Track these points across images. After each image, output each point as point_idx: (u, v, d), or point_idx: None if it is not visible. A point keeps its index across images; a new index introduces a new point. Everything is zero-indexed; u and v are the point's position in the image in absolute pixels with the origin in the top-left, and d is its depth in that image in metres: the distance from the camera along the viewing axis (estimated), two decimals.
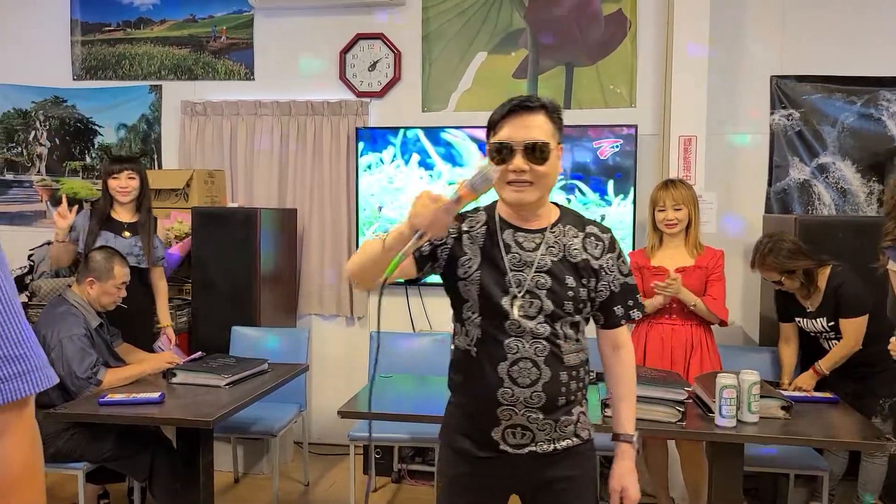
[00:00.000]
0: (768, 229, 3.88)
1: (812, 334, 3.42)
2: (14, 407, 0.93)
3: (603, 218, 4.22)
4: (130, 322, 3.56)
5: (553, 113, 1.79)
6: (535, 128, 1.74)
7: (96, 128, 5.00)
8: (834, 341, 3.31)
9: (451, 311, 1.92)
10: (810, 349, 3.45)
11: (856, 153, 4.21)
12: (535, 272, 1.79)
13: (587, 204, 4.23)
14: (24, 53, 5.00)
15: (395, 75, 4.57)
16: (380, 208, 4.49)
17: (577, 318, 1.82)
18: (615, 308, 1.87)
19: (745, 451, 2.75)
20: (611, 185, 4.22)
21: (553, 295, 1.77)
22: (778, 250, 3.24)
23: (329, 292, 4.63)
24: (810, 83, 4.24)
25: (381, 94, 4.60)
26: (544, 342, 1.77)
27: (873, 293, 3.26)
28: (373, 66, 4.60)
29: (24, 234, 4.91)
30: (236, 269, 4.18)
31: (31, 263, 4.39)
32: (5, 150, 5.09)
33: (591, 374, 1.92)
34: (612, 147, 4.22)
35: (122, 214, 3.70)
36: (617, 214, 4.21)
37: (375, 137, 4.48)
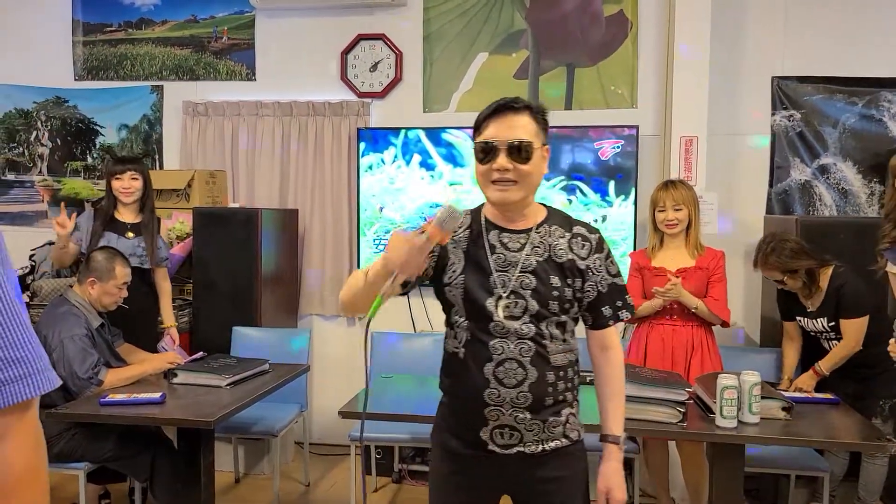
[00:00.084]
0: (769, 230, 3.88)
1: (812, 334, 3.42)
2: (16, 410, 0.93)
3: (604, 218, 4.22)
4: (133, 322, 3.56)
5: (538, 114, 1.81)
6: (520, 128, 1.77)
7: (98, 128, 5.00)
8: (834, 341, 3.32)
9: None
10: (810, 349, 3.45)
11: (857, 154, 4.21)
12: (520, 272, 1.80)
13: (588, 204, 4.23)
14: (26, 54, 5.01)
15: (396, 76, 4.57)
16: (381, 209, 4.49)
17: (564, 318, 1.82)
18: (603, 308, 1.87)
19: (745, 451, 2.75)
20: (612, 185, 4.22)
21: (537, 295, 1.78)
22: (780, 250, 3.25)
23: (330, 293, 4.63)
24: (811, 84, 4.24)
25: (382, 95, 4.60)
26: (529, 342, 1.78)
27: (874, 294, 3.26)
28: (374, 67, 4.60)
29: (25, 234, 4.91)
30: (237, 270, 4.18)
31: (33, 264, 4.40)
32: (7, 150, 5.10)
33: (581, 375, 1.91)
34: (614, 148, 4.23)
35: (126, 215, 3.71)
36: (618, 215, 4.21)
37: (377, 138, 4.48)
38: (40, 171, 5.08)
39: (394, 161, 4.45)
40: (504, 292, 1.79)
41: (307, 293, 4.68)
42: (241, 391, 3.10)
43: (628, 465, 3.62)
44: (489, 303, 1.79)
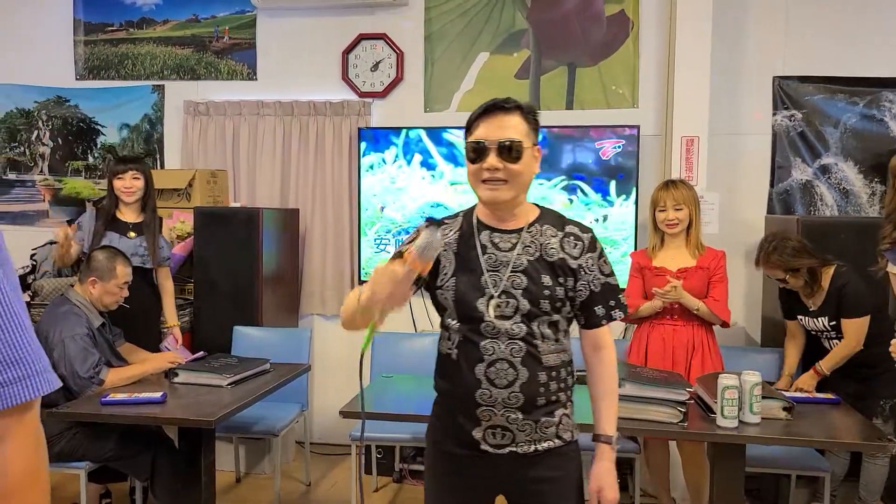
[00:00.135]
0: (770, 230, 3.88)
1: (813, 333, 3.42)
2: (15, 412, 0.92)
3: (605, 218, 4.22)
4: (135, 322, 3.56)
5: (528, 114, 1.82)
6: (510, 128, 1.78)
7: (99, 127, 5.01)
8: (835, 341, 3.32)
9: None
10: (811, 349, 3.45)
11: (858, 154, 4.21)
12: (511, 272, 1.81)
13: (589, 204, 4.23)
14: (27, 53, 5.01)
15: (397, 75, 4.57)
16: (382, 208, 4.50)
17: (556, 317, 1.82)
18: (596, 308, 1.87)
19: (746, 451, 2.75)
20: (613, 185, 4.22)
21: (528, 294, 1.79)
22: (783, 248, 3.25)
23: (331, 292, 4.63)
24: (813, 84, 4.24)
25: (383, 95, 4.60)
26: (520, 343, 1.79)
27: (876, 294, 3.26)
28: (375, 67, 4.60)
29: (26, 234, 4.91)
30: (238, 269, 4.18)
31: (34, 263, 4.39)
32: (8, 149, 5.10)
33: (575, 375, 1.91)
34: (615, 147, 4.22)
35: (128, 215, 3.71)
36: (619, 215, 4.21)
37: (378, 138, 4.48)
38: (41, 171, 5.08)
39: (395, 161, 4.45)
40: (495, 292, 1.80)
41: (308, 293, 4.68)
42: (241, 391, 3.10)
43: (629, 464, 3.62)
44: (480, 303, 1.80)
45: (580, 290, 1.84)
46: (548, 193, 4.24)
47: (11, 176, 5.11)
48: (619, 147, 4.22)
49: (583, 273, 1.84)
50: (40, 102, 5.03)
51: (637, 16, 4.34)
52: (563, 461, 1.85)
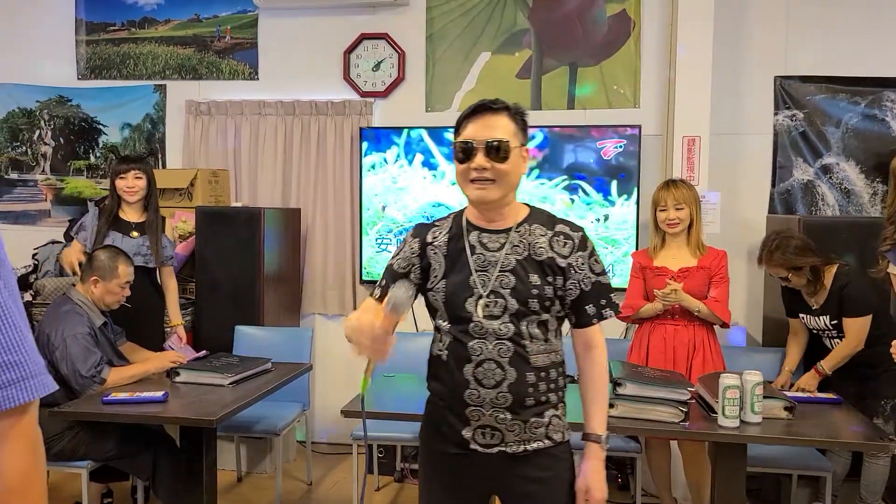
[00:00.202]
0: (772, 230, 3.87)
1: (815, 332, 3.42)
2: (10, 415, 0.92)
3: (606, 218, 4.22)
4: (138, 322, 3.56)
5: (516, 114, 1.83)
6: (497, 128, 1.79)
7: (101, 127, 5.01)
8: (836, 340, 3.32)
9: None
10: (812, 348, 3.45)
11: (860, 154, 4.21)
12: (500, 272, 1.81)
13: (590, 204, 4.23)
14: (29, 53, 5.02)
15: (398, 75, 4.57)
16: (383, 208, 4.50)
17: (545, 316, 1.82)
18: (586, 307, 1.86)
19: (747, 451, 2.75)
20: (614, 185, 4.22)
21: (516, 293, 1.79)
22: (785, 247, 3.24)
23: (332, 292, 4.64)
24: (814, 84, 4.24)
25: (384, 94, 4.61)
26: (508, 343, 1.79)
27: (878, 294, 3.26)
28: (377, 66, 4.60)
29: (28, 233, 4.92)
30: (240, 269, 4.18)
31: (36, 262, 4.41)
32: (10, 149, 5.11)
33: (566, 376, 1.90)
34: (616, 147, 4.22)
35: (130, 214, 3.72)
36: (620, 215, 4.21)
37: (379, 137, 4.48)
38: (43, 170, 5.09)
39: (396, 160, 4.46)
40: (484, 292, 1.81)
41: (309, 292, 4.68)
42: (243, 390, 3.10)
43: (631, 464, 3.62)
44: (469, 303, 1.81)
45: (570, 288, 1.84)
46: (549, 193, 4.24)
47: (13, 175, 5.12)
48: (621, 147, 4.22)
49: (572, 272, 1.83)
50: (42, 102, 5.04)
51: (638, 15, 4.34)
52: (552, 462, 1.85)
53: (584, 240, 1.87)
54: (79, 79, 5.00)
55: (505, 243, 1.84)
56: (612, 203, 4.22)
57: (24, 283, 4.28)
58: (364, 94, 4.61)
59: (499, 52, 4.50)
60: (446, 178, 4.38)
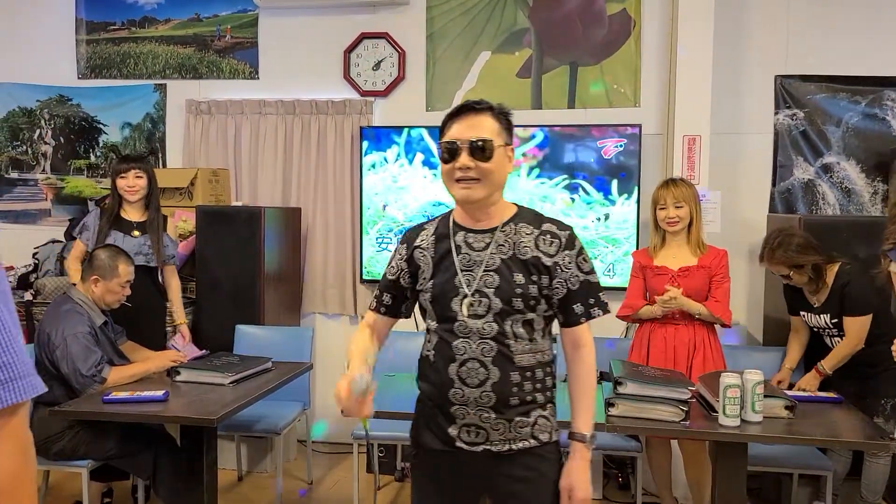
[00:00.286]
0: (772, 229, 3.87)
1: (815, 330, 3.42)
2: (2, 415, 0.92)
3: (607, 217, 4.22)
4: (140, 321, 3.56)
5: (500, 114, 1.85)
6: (481, 127, 1.81)
7: (101, 126, 5.01)
8: (837, 338, 3.32)
9: None
10: (813, 346, 3.45)
11: (860, 153, 4.21)
12: (484, 271, 1.83)
13: (591, 203, 4.23)
14: (30, 52, 5.02)
15: (399, 74, 4.57)
16: (384, 207, 4.50)
17: (531, 315, 1.82)
18: (574, 306, 1.86)
19: (748, 450, 2.75)
20: (615, 184, 4.22)
21: (501, 293, 1.80)
22: (787, 244, 3.24)
23: (333, 291, 4.64)
24: (815, 83, 4.23)
25: (385, 94, 4.60)
26: (491, 342, 1.80)
27: (879, 293, 3.25)
28: (377, 66, 4.60)
29: (28, 233, 4.93)
30: (240, 268, 4.18)
31: (36, 262, 4.40)
32: (10, 148, 5.11)
33: (553, 376, 1.90)
34: (616, 146, 4.22)
35: (131, 213, 3.72)
36: (621, 214, 4.21)
37: (379, 136, 4.48)
38: (44, 170, 5.09)
39: (396, 159, 4.46)
40: (469, 291, 1.82)
41: (310, 291, 4.68)
42: (243, 389, 3.10)
43: (631, 463, 3.62)
44: (455, 303, 1.83)
45: (556, 287, 1.84)
46: (550, 192, 4.24)
47: (14, 175, 5.12)
48: (621, 146, 4.22)
49: (559, 271, 1.83)
50: (42, 101, 5.04)
51: (639, 14, 4.33)
52: (538, 462, 1.86)
53: (572, 238, 1.87)
54: (79, 78, 5.00)
55: (490, 243, 1.85)
56: (613, 202, 4.22)
57: (24, 282, 4.28)
58: (364, 94, 4.61)
59: (499, 52, 4.49)
60: None
